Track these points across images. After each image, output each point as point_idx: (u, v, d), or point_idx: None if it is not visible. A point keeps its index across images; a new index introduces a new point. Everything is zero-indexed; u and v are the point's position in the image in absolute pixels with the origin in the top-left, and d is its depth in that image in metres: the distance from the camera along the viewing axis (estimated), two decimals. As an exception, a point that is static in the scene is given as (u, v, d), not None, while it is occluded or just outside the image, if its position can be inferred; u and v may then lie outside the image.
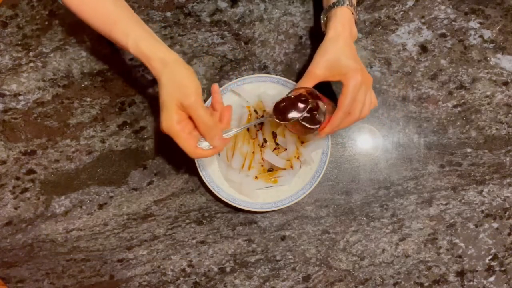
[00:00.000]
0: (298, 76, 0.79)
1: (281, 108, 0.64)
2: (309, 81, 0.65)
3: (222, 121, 0.64)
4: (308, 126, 0.64)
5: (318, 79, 0.65)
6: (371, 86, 0.65)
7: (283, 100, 0.65)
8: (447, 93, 0.79)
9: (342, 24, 0.65)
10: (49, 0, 0.81)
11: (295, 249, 0.75)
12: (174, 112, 0.59)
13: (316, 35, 0.80)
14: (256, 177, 0.74)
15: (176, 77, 0.60)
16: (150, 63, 0.61)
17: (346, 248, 0.75)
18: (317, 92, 0.64)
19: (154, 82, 0.79)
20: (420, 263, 0.74)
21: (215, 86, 0.65)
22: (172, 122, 0.59)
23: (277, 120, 0.64)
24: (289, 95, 0.65)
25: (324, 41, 0.66)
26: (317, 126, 0.64)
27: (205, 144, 0.62)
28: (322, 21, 0.70)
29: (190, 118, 0.61)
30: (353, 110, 0.63)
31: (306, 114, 0.64)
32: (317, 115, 0.64)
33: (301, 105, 0.64)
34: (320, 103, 0.64)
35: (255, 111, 0.75)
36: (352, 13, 0.67)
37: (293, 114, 0.64)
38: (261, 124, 0.75)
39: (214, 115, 0.64)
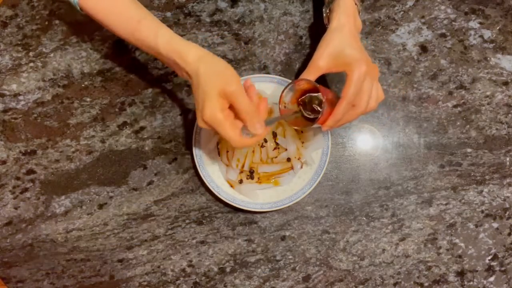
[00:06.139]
0: (298, 76, 0.79)
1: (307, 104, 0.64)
2: (312, 73, 0.63)
3: (260, 111, 0.63)
4: (311, 119, 0.63)
5: (322, 70, 0.63)
6: (377, 78, 0.64)
7: (307, 98, 0.65)
8: (447, 93, 0.79)
9: (346, 15, 0.64)
10: (49, 0, 0.81)
11: (295, 249, 0.75)
12: (217, 101, 0.57)
13: (316, 35, 0.80)
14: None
15: (215, 66, 0.59)
16: (183, 58, 0.60)
17: (346, 248, 0.75)
18: (318, 85, 0.62)
19: (154, 82, 0.79)
20: (420, 263, 0.74)
21: (248, 80, 0.65)
22: (216, 111, 0.57)
23: (307, 115, 0.64)
24: (291, 86, 0.63)
25: (327, 32, 0.64)
26: (317, 117, 0.62)
27: (244, 134, 0.61)
28: (324, 14, 0.69)
29: (230, 108, 0.60)
30: (359, 101, 0.61)
31: (306, 110, 0.63)
32: (319, 108, 0.63)
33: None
34: (321, 96, 0.62)
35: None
36: (355, 4, 0.66)
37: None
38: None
39: (252, 103, 0.63)
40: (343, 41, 0.62)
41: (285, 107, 0.66)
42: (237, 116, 0.60)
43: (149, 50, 0.63)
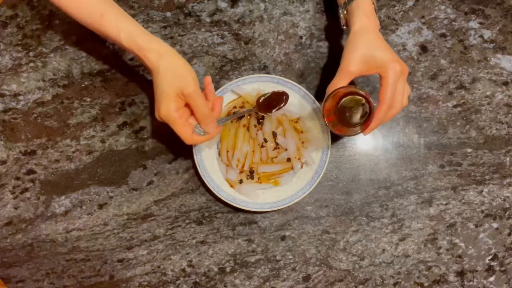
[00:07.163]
0: (298, 76, 0.79)
1: (263, 102, 0.72)
2: (343, 79, 0.63)
3: (214, 110, 0.67)
4: (353, 124, 0.63)
5: (354, 75, 0.63)
6: (407, 75, 0.63)
7: (265, 94, 0.72)
8: (447, 93, 0.79)
9: (366, 15, 0.64)
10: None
11: (295, 249, 0.75)
12: (173, 100, 0.62)
13: (316, 35, 0.80)
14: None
15: (174, 66, 0.62)
16: (145, 54, 0.62)
17: (346, 248, 0.75)
18: (360, 89, 0.62)
19: (154, 82, 0.79)
20: (420, 263, 0.74)
21: (207, 78, 0.68)
22: (171, 110, 0.62)
23: (260, 112, 0.71)
24: (327, 98, 0.62)
25: (351, 36, 0.64)
26: (361, 123, 0.62)
27: (197, 131, 0.66)
28: (341, 15, 0.68)
29: (186, 106, 0.64)
30: (395, 102, 0.62)
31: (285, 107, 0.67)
32: (362, 113, 0.62)
33: (282, 98, 0.71)
34: (364, 101, 0.61)
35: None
36: (373, 3, 0.66)
37: (274, 107, 0.72)
38: (261, 124, 0.75)
39: (207, 104, 0.67)
40: (370, 44, 0.62)
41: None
42: (192, 114, 0.65)
43: (115, 43, 0.65)
